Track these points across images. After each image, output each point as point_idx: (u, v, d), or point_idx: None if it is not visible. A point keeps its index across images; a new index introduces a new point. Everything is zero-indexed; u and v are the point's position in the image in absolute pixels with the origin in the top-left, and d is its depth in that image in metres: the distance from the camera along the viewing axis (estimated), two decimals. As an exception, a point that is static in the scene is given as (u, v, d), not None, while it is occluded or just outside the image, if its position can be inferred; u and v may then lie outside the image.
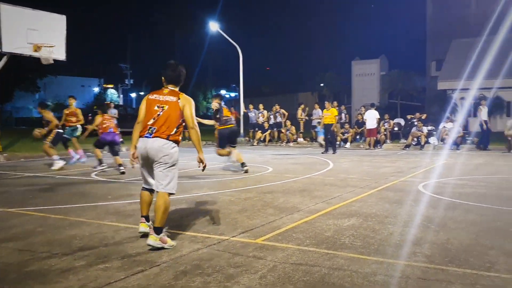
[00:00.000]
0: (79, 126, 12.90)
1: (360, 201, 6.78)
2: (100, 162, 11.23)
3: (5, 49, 12.35)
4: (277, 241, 4.63)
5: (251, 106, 22.91)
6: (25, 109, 59.20)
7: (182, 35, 58.46)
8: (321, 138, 20.27)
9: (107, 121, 11.36)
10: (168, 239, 4.49)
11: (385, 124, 20.33)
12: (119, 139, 11.66)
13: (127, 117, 24.92)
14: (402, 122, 22.07)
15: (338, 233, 4.94)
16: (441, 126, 19.01)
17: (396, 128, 21.39)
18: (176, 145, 4.66)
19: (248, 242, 4.62)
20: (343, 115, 21.06)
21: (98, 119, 11.33)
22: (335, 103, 17.96)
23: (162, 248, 4.37)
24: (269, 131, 21.76)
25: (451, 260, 3.99)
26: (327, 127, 16.35)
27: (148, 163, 4.67)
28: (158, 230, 4.41)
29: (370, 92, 39.37)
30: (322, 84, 46.42)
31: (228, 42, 26.13)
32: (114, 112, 20.73)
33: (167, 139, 4.58)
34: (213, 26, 26.71)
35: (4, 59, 12.79)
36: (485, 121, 16.97)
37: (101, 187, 8.44)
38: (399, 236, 4.82)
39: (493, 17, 24.80)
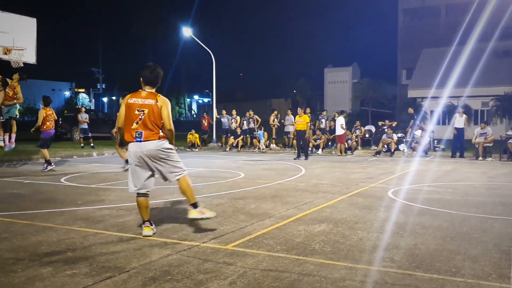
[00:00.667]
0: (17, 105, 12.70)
1: (331, 207, 6.84)
2: (49, 163, 11.45)
3: (-27, 52, 12.02)
4: (247, 247, 4.63)
5: (224, 112, 22.91)
6: (-8, 112, 57.46)
7: (154, 39, 58.11)
8: (262, 142, 20.47)
9: (51, 117, 11.63)
10: (207, 210, 5.02)
11: (356, 131, 20.62)
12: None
13: (98, 122, 24.54)
14: (373, 129, 22.42)
15: (308, 238, 4.98)
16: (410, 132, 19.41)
17: (367, 135, 21.71)
18: (167, 139, 4.97)
19: (219, 248, 4.61)
20: (323, 121, 21.24)
21: (42, 113, 11.38)
22: (308, 110, 18.13)
23: (203, 218, 5.03)
24: (241, 136, 21.75)
25: (418, 265, 4.07)
26: (300, 134, 16.47)
27: (146, 165, 4.89)
28: (195, 205, 4.98)
29: (342, 99, 39.92)
30: (295, 91, 46.84)
31: (201, 47, 26.11)
32: (85, 116, 20.45)
33: (159, 139, 4.86)
34: (186, 31, 26.66)
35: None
36: (461, 129, 17.31)
37: (70, 192, 8.27)
38: (368, 241, 4.89)
39: (462, 27, 25.54)
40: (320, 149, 19.84)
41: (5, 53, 12.48)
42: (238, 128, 21.87)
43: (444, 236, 5.13)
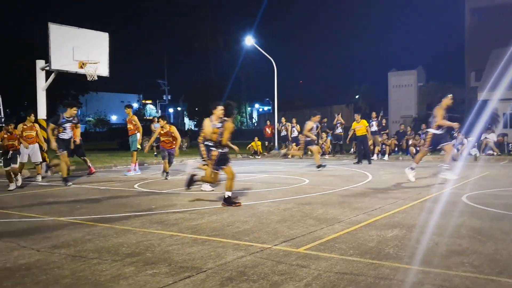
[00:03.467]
0: (138, 134, 13.50)
1: (402, 213, 6.68)
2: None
3: (54, 66, 12.87)
4: (319, 251, 4.62)
5: (283, 120, 23.27)
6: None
7: (216, 51, 59.44)
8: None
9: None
10: None
11: (422, 135, 19.96)
12: None
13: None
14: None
15: (381, 243, 4.89)
16: (482, 137, 18.60)
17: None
18: None
19: (291, 250, 4.64)
20: (374, 123, 20.86)
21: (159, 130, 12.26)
22: (373, 114, 18.19)
23: None
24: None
25: (502, 271, 3.89)
26: (361, 139, 16.66)
27: None
28: None
29: (407, 104, 38.77)
30: (357, 96, 46.16)
31: (262, 56, 26.44)
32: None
33: None
34: (249, 41, 27.08)
35: (52, 76, 13.32)
36: None
37: (144, 197, 8.64)
38: (445, 246, 4.73)
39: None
40: (386, 155, 19.41)
41: (81, 67, 13.29)
42: (300, 135, 21.90)
43: (527, 242, 4.87)
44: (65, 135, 10.88)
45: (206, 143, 7.94)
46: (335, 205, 7.39)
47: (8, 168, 10.08)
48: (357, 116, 17.02)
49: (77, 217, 6.65)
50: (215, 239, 5.12)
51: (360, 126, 16.62)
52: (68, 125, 10.89)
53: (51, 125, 10.70)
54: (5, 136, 10.05)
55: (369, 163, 16.07)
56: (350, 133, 18.40)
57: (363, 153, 16.77)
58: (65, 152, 10.76)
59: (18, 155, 10.34)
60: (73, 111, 11.10)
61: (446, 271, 3.91)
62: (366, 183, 10.53)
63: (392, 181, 10.96)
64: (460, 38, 42.01)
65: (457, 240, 4.99)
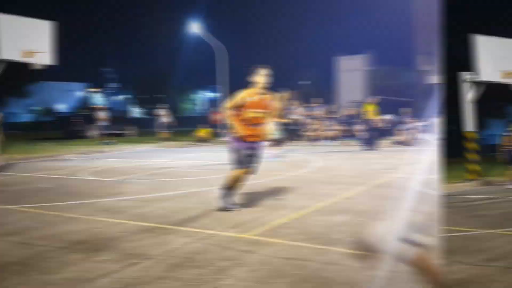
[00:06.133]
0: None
1: (351, 198, 6.82)
2: None
3: (1, 56, 12.35)
4: (267, 237, 4.70)
5: None
6: (14, 114, 58.73)
7: (165, 38, 58.34)
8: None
9: None
10: None
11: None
12: None
13: (112, 119, 25.27)
14: (393, 118, 22.10)
15: (330, 229, 4.98)
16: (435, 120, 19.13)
17: (383, 125, 21.48)
18: None
19: (238, 237, 4.72)
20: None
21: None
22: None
23: None
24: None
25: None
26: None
27: None
28: None
29: (356, 89, 39.18)
30: (303, 82, 46.10)
31: (209, 42, 26.89)
32: (104, 114, 21.27)
33: None
34: (194, 28, 27.52)
35: (3, 66, 12.77)
36: None
37: (93, 185, 8.54)
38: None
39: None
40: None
41: (27, 57, 12.81)
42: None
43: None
44: None
45: None
46: (284, 191, 7.43)
47: None
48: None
49: (25, 205, 6.50)
50: (163, 226, 5.15)
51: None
52: None
53: None
54: None
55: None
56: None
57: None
58: None
59: None
60: None
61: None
62: (314, 169, 10.67)
63: (341, 166, 11.19)
64: (408, 22, 42.35)
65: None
